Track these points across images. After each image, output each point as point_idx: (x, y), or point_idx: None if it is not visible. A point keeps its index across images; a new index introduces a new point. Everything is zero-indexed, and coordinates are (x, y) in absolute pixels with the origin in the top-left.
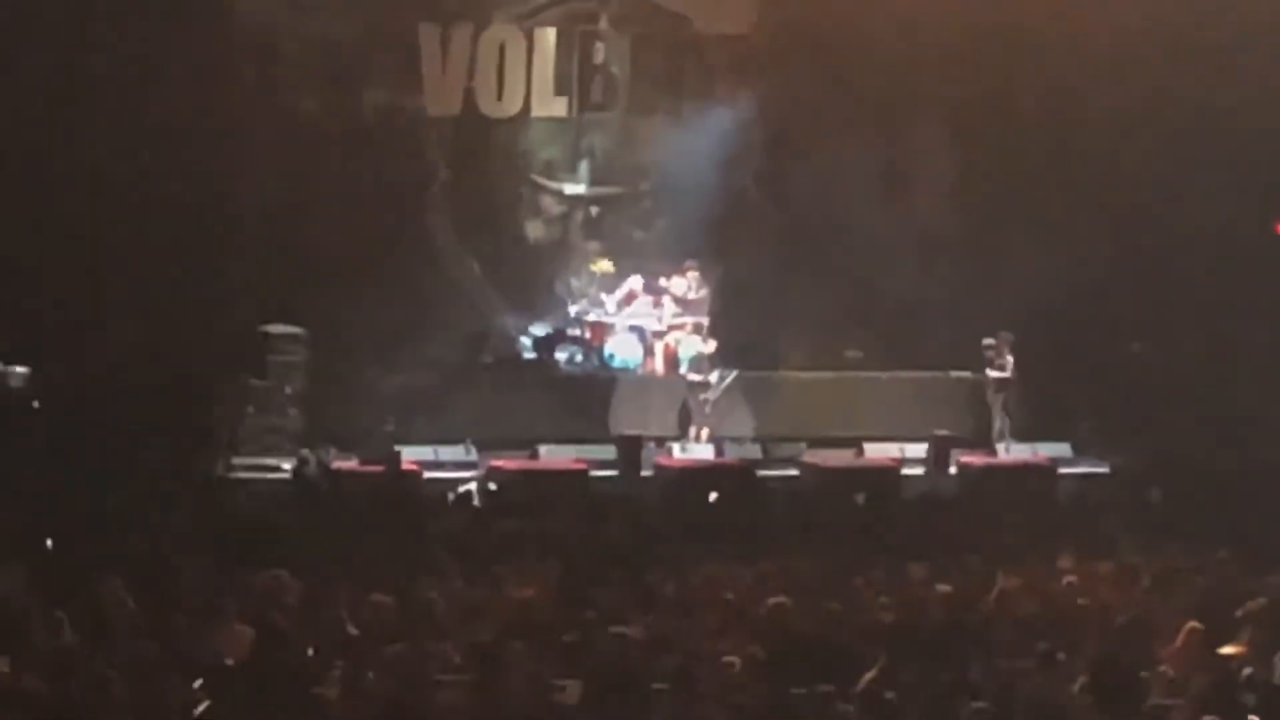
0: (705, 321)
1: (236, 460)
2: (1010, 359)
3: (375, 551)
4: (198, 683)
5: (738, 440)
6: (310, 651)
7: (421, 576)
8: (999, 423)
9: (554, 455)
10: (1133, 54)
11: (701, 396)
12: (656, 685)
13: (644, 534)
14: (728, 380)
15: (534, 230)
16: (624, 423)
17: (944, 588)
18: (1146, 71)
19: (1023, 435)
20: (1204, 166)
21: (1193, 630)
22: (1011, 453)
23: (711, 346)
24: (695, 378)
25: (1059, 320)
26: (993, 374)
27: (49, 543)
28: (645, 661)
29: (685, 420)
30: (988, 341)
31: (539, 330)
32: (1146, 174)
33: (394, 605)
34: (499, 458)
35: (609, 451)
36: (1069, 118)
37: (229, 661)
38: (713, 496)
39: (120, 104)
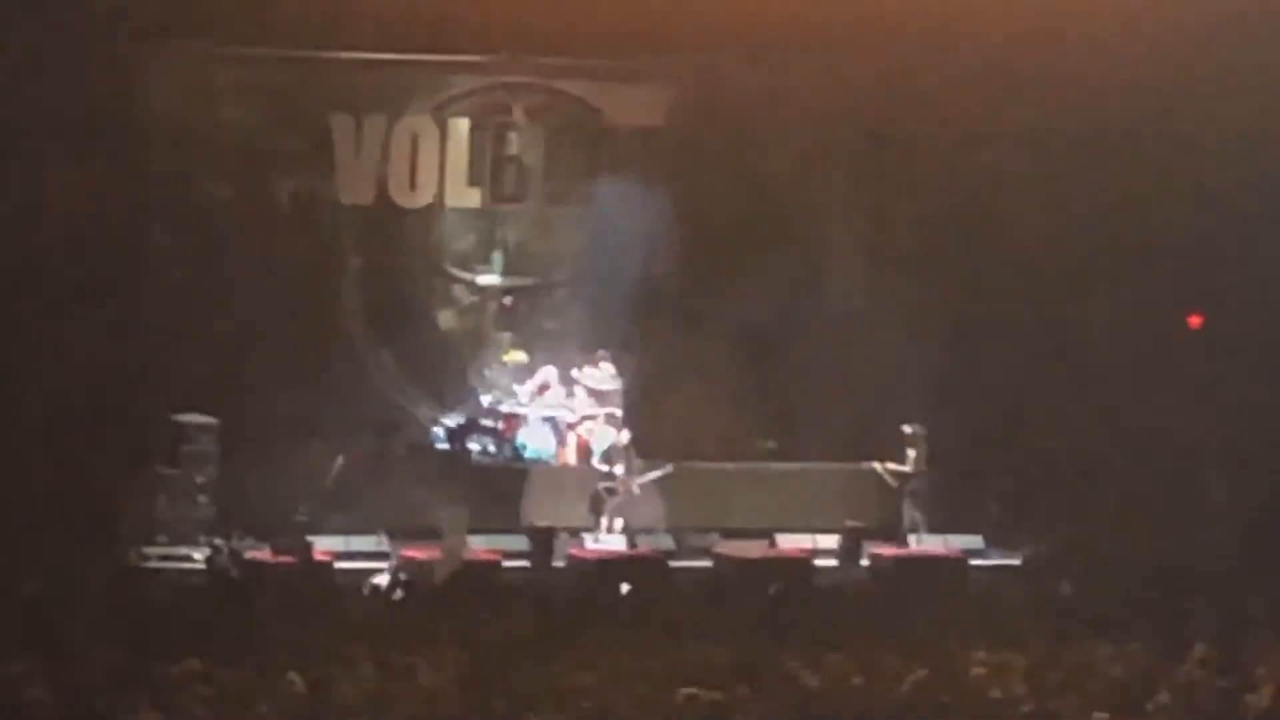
0: (618, 412)
1: (148, 549)
2: (914, 453)
3: (288, 641)
4: None
5: (650, 531)
6: None
7: (333, 665)
8: (908, 516)
9: None
10: (1049, 148)
11: (610, 487)
12: None
13: (556, 624)
14: (661, 473)
15: (447, 320)
16: (536, 513)
17: (856, 679)
18: (1063, 164)
19: (934, 527)
20: (1119, 257)
21: None
22: (923, 544)
23: (625, 437)
24: (607, 469)
25: (972, 410)
26: (897, 467)
27: None
28: None
29: (597, 511)
30: (906, 429)
31: (452, 420)
32: (1060, 264)
33: (306, 694)
34: (411, 548)
35: (521, 542)
36: (982, 211)
37: None
38: (625, 588)
39: (30, 185)
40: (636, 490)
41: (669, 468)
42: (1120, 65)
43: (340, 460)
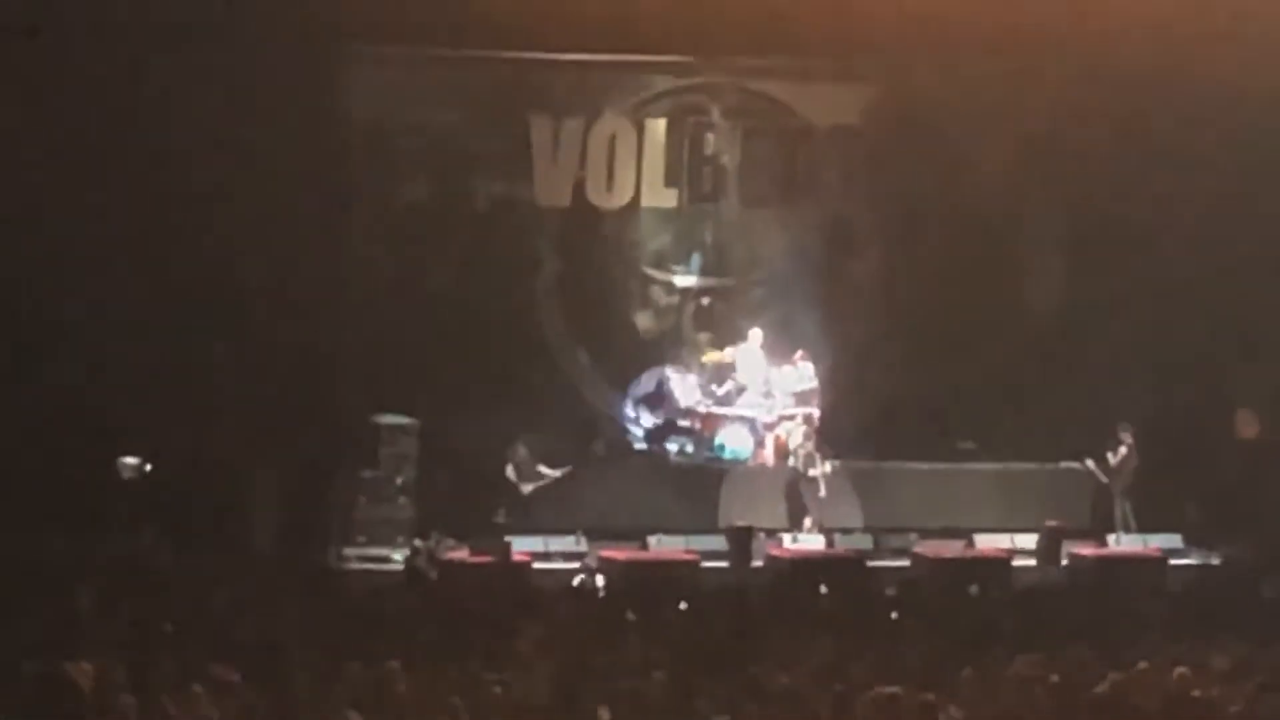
0: (816, 412)
1: (348, 551)
2: (1124, 450)
3: (485, 642)
4: None
5: (848, 531)
6: None
7: (532, 666)
8: (1119, 513)
9: (664, 546)
10: (1242, 149)
11: (814, 489)
12: None
13: (754, 624)
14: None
15: (644, 321)
16: (734, 514)
17: (1054, 678)
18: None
19: (1135, 527)
20: None
21: None
22: (1122, 544)
23: (812, 438)
24: (811, 472)
25: (1172, 411)
26: (1110, 464)
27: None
28: None
29: (796, 511)
30: (1123, 435)
31: (650, 421)
32: (1264, 260)
33: (504, 695)
34: (609, 548)
35: (719, 542)
36: (1195, 208)
37: None
38: (824, 589)
39: (237, 196)
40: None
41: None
42: None
43: (565, 469)
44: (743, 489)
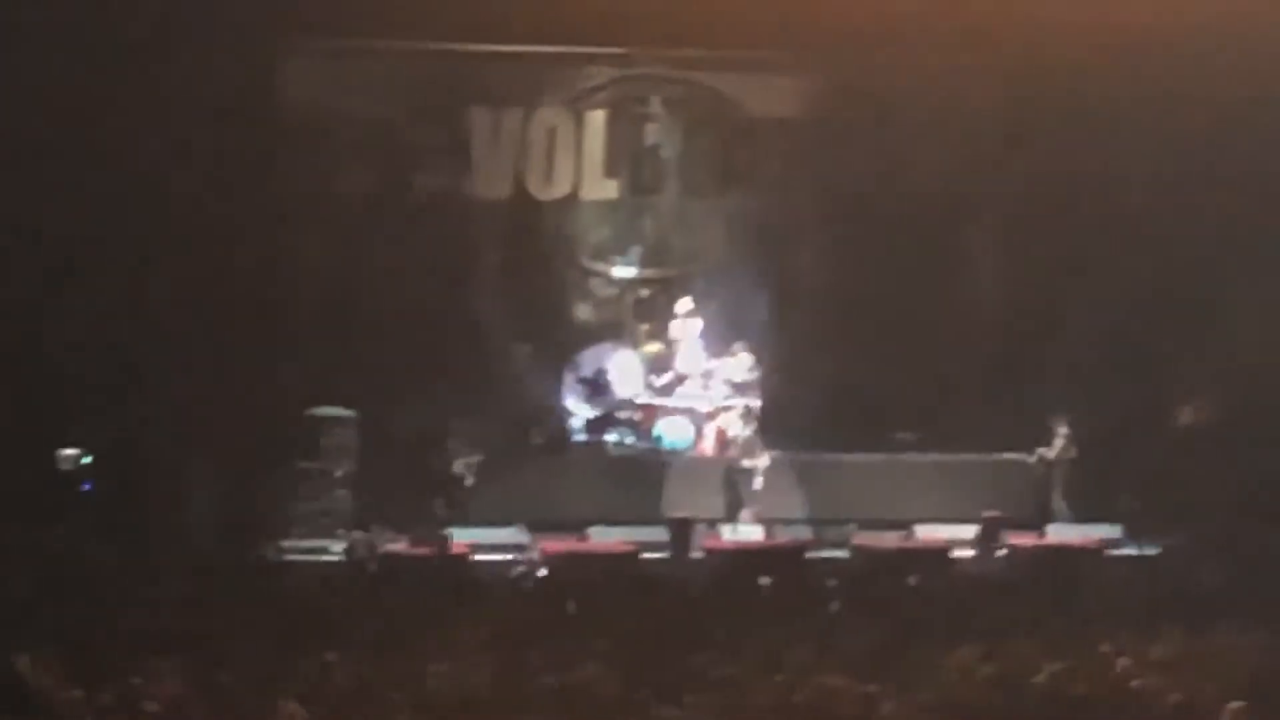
0: (756, 403)
1: (287, 543)
2: (1061, 441)
3: (426, 633)
4: None
5: (788, 522)
6: None
7: (473, 657)
8: (1057, 504)
9: (604, 537)
10: (1186, 138)
11: (748, 477)
12: None
13: (694, 615)
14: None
15: (583, 312)
16: (674, 504)
17: (993, 669)
18: (1200, 154)
19: (1072, 517)
20: (1260, 247)
21: (1237, 712)
22: (1061, 534)
23: (751, 428)
24: (746, 462)
25: (1110, 400)
26: (1048, 455)
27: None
28: None
29: (735, 502)
30: (1059, 427)
31: (589, 412)
32: (1203, 253)
33: (444, 686)
34: (549, 540)
35: (659, 533)
36: (1136, 202)
37: None
38: (764, 580)
39: (173, 189)
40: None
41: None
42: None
43: (477, 458)
44: (682, 480)
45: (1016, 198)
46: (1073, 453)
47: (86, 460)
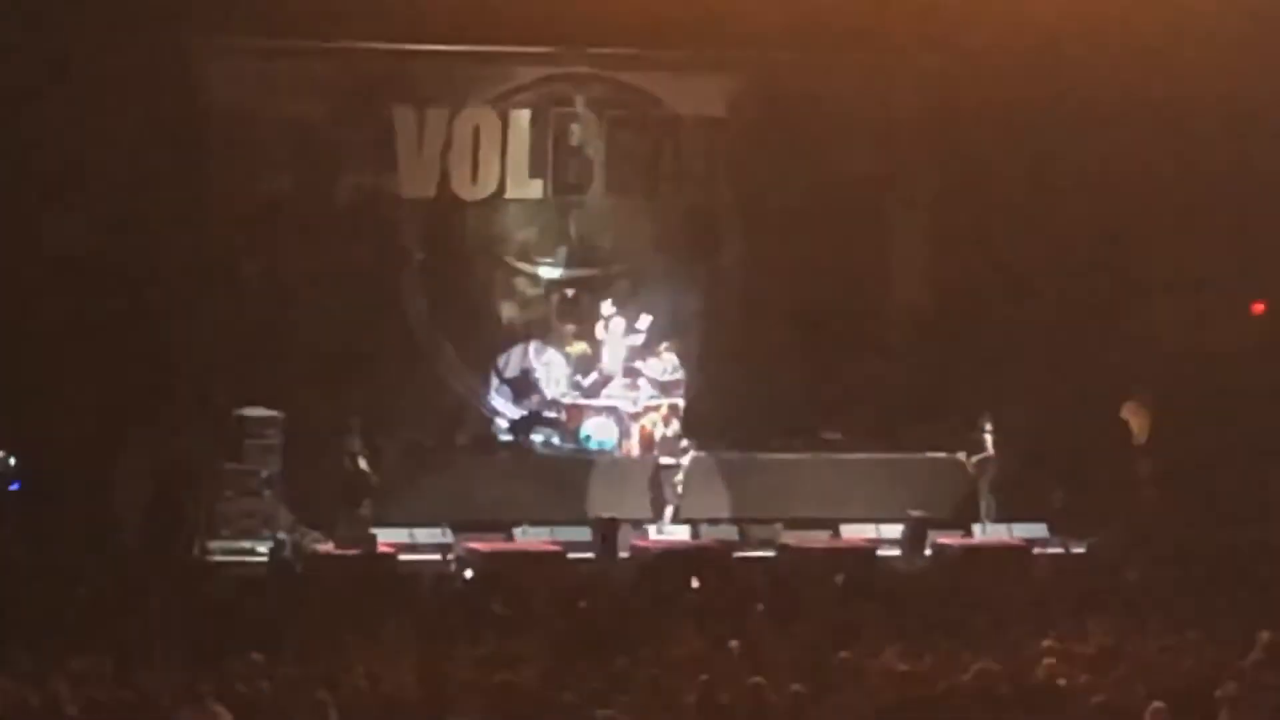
0: (681, 403)
1: (212, 544)
2: (987, 441)
3: (352, 634)
4: None
5: (714, 522)
6: None
7: (397, 659)
8: (985, 503)
9: (529, 537)
10: (1113, 128)
11: (673, 477)
12: None
13: (620, 616)
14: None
15: (509, 312)
16: (600, 505)
17: (920, 668)
18: (1127, 143)
19: (999, 516)
20: (1179, 247)
21: (1157, 711)
22: (988, 533)
23: (675, 427)
24: (668, 460)
25: (1035, 399)
26: (975, 456)
27: None
28: None
29: (660, 502)
30: (985, 426)
31: (515, 412)
32: (1124, 251)
33: (370, 688)
34: (474, 540)
35: (585, 533)
36: (1055, 201)
37: None
38: (694, 583)
39: (95, 186)
40: (680, 481)
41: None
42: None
43: (402, 458)
44: (609, 480)
45: (941, 197)
46: (996, 452)
47: (11, 462)
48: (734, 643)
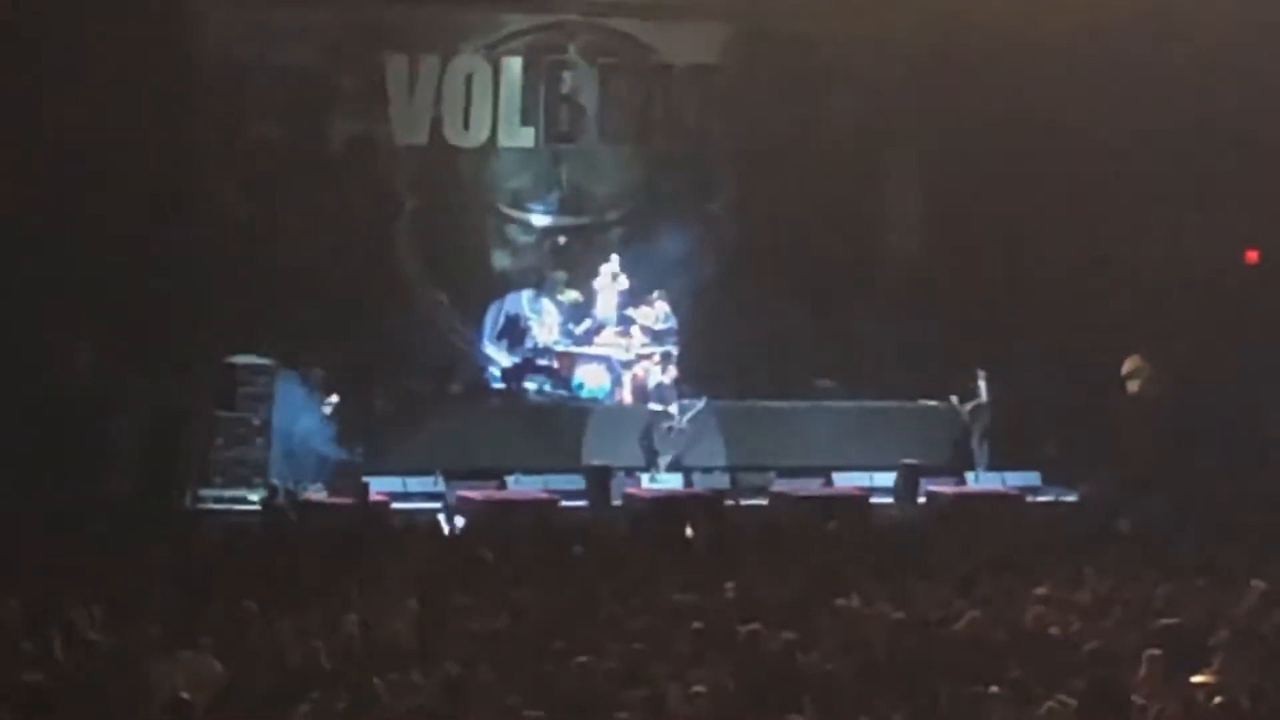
0: (674, 351)
1: (205, 492)
2: (980, 389)
3: (344, 583)
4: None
5: (707, 470)
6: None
7: (390, 607)
8: (978, 451)
9: (522, 486)
10: (1109, 82)
11: (666, 425)
12: (625, 716)
13: (613, 564)
14: (696, 409)
15: (501, 260)
16: (593, 453)
17: (912, 615)
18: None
19: (992, 465)
20: (1174, 195)
21: (1154, 658)
22: (980, 482)
23: (671, 375)
24: (660, 408)
25: (1029, 349)
26: (969, 403)
27: None
28: (614, 692)
29: (653, 450)
30: (978, 374)
31: (507, 360)
32: (1119, 201)
33: (362, 635)
34: (467, 488)
35: (578, 482)
36: (1049, 150)
37: (195, 694)
38: (689, 531)
39: (87, 132)
40: (684, 426)
41: (702, 403)
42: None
43: (394, 406)
44: (601, 428)
45: (936, 144)
46: (987, 399)
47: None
48: (729, 584)
